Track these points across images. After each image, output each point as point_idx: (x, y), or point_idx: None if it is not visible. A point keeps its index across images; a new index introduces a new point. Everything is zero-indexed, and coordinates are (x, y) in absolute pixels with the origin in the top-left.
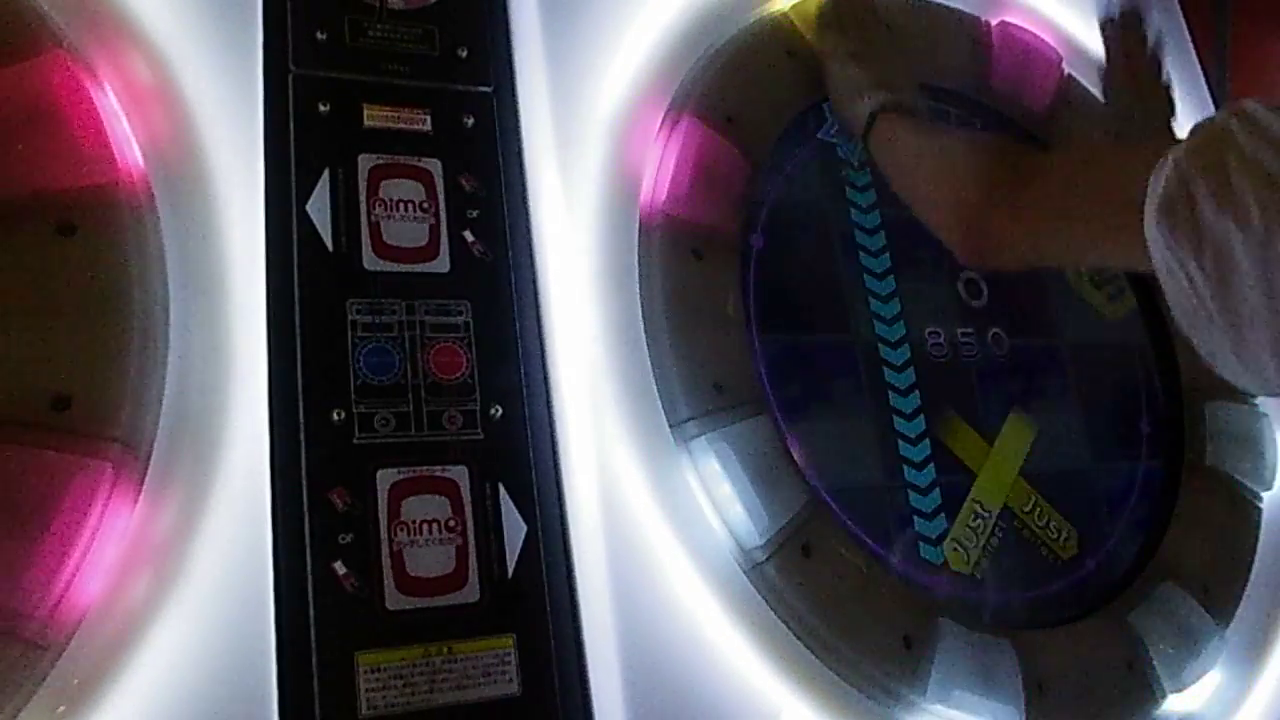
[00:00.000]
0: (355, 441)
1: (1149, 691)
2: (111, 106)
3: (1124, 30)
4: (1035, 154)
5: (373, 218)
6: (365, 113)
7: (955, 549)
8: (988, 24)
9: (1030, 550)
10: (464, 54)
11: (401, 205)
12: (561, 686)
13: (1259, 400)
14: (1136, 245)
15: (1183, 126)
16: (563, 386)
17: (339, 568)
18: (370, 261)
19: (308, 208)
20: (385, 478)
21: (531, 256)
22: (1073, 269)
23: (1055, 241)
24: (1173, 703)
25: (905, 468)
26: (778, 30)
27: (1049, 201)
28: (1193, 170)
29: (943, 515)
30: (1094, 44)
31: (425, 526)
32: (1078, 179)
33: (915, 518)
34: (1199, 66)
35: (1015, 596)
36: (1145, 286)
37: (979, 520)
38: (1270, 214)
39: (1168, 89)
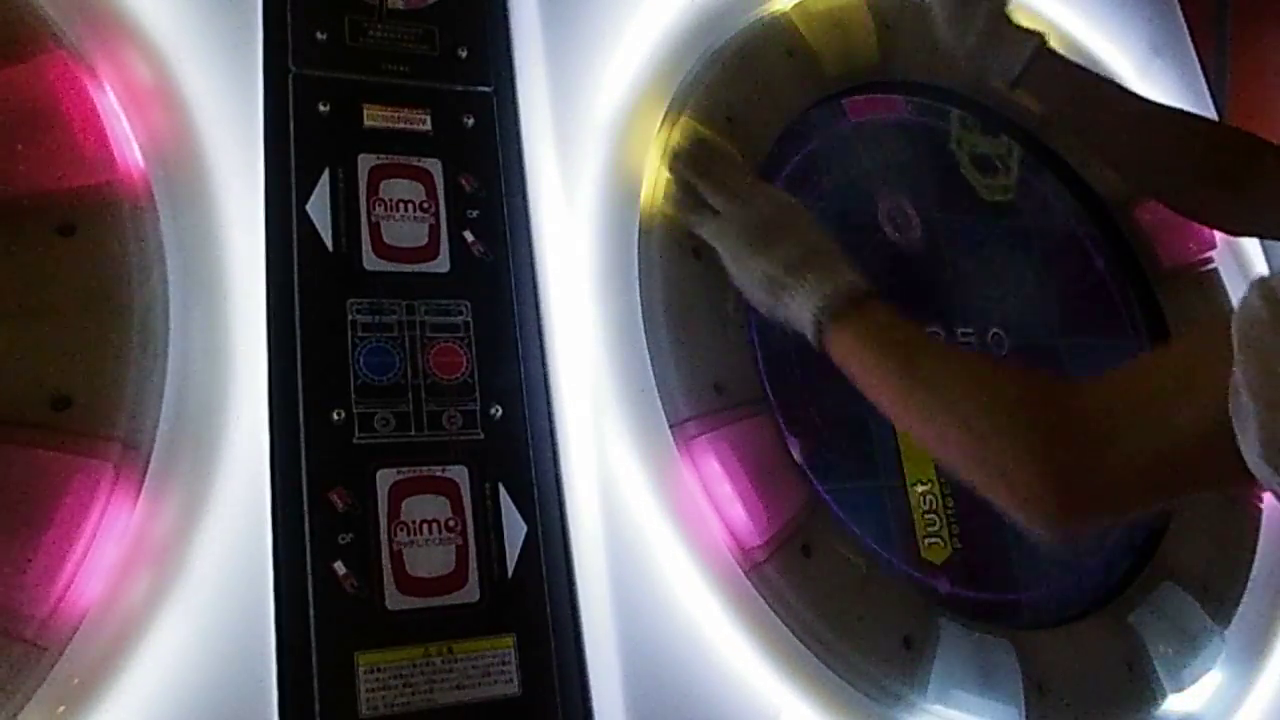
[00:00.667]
0: (355, 441)
1: (1149, 691)
2: (111, 106)
3: None
4: (1059, 396)
5: (373, 218)
6: (365, 113)
7: (932, 543)
8: None
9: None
10: (464, 54)
11: (401, 205)
12: (561, 686)
13: None
14: (1239, 472)
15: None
16: (563, 386)
17: (339, 568)
18: (370, 261)
19: (308, 208)
20: (385, 478)
21: (531, 256)
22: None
23: (1144, 501)
24: (1173, 703)
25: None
26: (778, 30)
27: (1142, 456)
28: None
29: None
30: (1093, 44)
31: (425, 526)
32: (1149, 428)
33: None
34: (1199, 66)
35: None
36: (1146, 286)
37: (928, 499)
38: None
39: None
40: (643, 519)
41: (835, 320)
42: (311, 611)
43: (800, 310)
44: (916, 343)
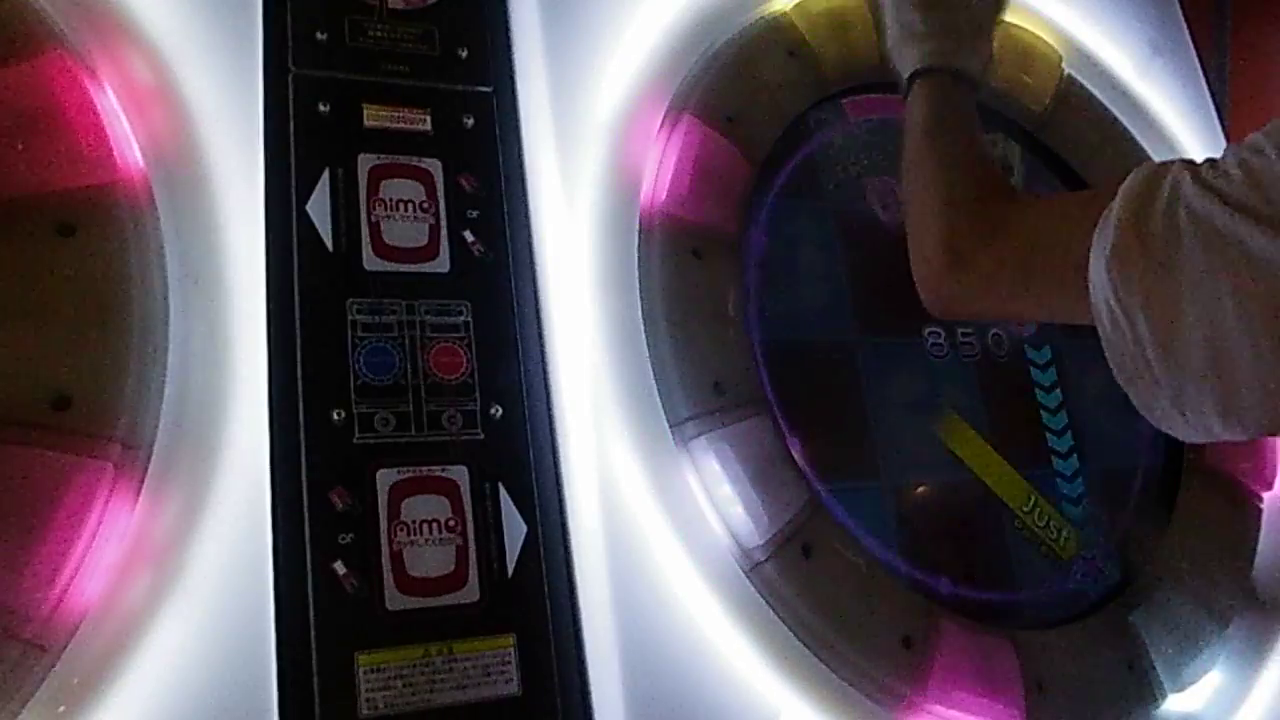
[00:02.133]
0: (355, 441)
1: (1149, 691)
2: (111, 106)
3: None
4: (1003, 200)
5: (373, 218)
6: (365, 113)
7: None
8: None
9: (1030, 549)
10: (464, 54)
11: (401, 205)
12: (561, 686)
13: None
14: (1085, 301)
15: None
16: (563, 386)
17: (339, 568)
18: (370, 261)
19: (308, 208)
20: (385, 478)
21: (531, 256)
22: (1029, 321)
23: (1013, 303)
24: (1173, 703)
25: None
26: (778, 30)
27: (1007, 266)
28: (1143, 220)
29: None
30: (1093, 44)
31: (425, 526)
32: (1037, 238)
33: None
34: (1199, 66)
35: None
36: None
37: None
38: (1215, 265)
39: None
40: (643, 519)
41: (919, 79)
42: (311, 611)
43: (905, 63)
44: (952, 121)
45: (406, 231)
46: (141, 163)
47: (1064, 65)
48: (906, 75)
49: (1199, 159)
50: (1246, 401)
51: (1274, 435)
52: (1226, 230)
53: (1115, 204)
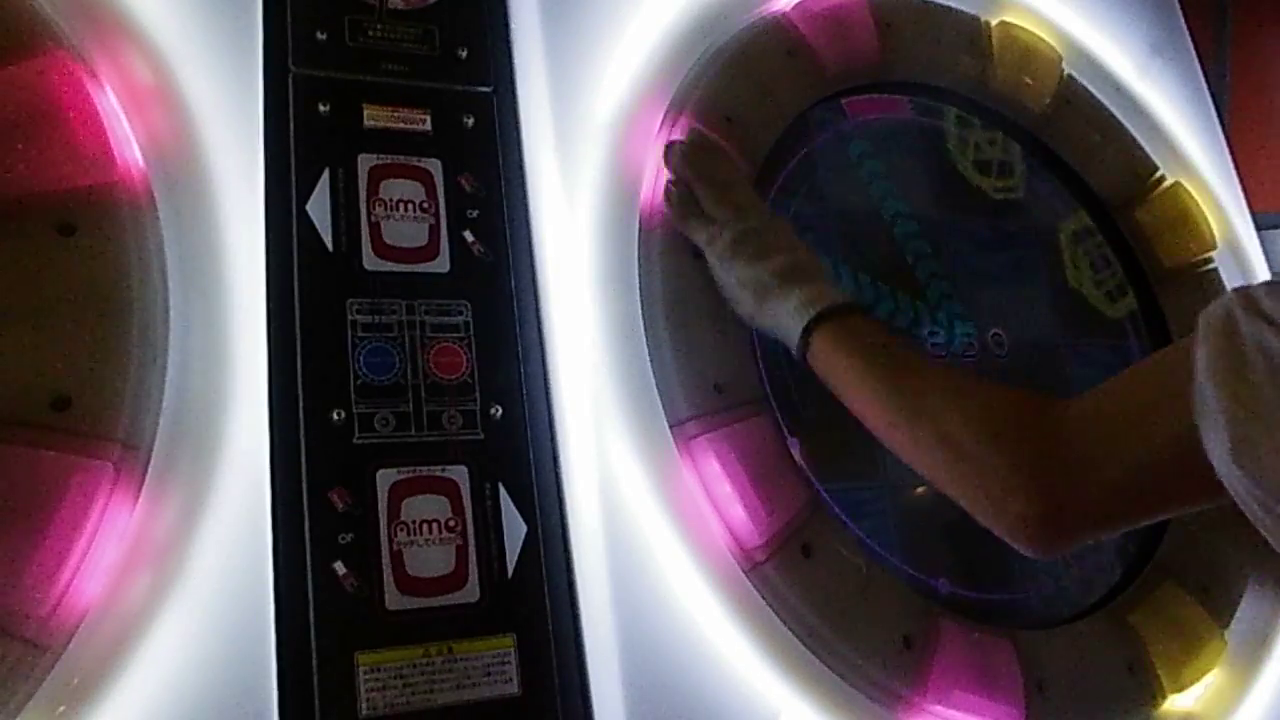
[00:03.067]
0: (355, 441)
1: (1149, 691)
2: (111, 106)
3: None
4: (1040, 410)
5: (373, 218)
6: (365, 113)
7: None
8: (988, 24)
9: None
10: (464, 54)
11: (401, 205)
12: (561, 686)
13: None
14: (1214, 485)
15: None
16: (563, 386)
17: (339, 568)
18: (370, 261)
19: (308, 208)
20: (385, 478)
21: (531, 256)
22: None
23: (1143, 511)
24: (1173, 703)
25: None
26: (778, 30)
27: (1124, 477)
28: (1245, 391)
29: None
30: (1093, 44)
31: (425, 526)
32: (1117, 437)
33: None
34: (1199, 66)
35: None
36: (1146, 286)
37: None
38: None
39: None
40: (643, 519)
41: (820, 327)
42: (311, 611)
43: (787, 317)
44: (900, 353)
45: (406, 231)
46: (141, 163)
47: (1064, 65)
48: (797, 334)
49: (1202, 167)
50: None
51: None
52: None
53: (1202, 380)
